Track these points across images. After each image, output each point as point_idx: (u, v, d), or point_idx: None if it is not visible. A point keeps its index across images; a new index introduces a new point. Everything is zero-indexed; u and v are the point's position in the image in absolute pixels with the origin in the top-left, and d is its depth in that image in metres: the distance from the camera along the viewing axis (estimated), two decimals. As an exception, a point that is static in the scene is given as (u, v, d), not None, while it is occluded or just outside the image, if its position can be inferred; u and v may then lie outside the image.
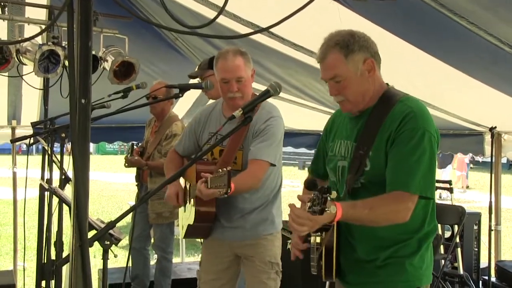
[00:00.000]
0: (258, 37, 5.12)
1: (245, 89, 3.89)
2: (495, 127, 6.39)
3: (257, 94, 3.94)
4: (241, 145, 3.89)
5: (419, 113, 2.76)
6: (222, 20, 4.94)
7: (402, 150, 2.69)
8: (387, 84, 2.99)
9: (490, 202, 6.71)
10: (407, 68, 4.99)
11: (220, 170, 3.32)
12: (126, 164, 6.33)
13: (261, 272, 3.97)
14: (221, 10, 2.01)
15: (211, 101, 5.69)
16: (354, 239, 2.93)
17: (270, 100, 3.48)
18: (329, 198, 2.56)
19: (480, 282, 7.36)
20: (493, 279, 7.02)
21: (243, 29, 4.99)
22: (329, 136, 3.18)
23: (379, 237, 2.86)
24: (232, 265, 4.12)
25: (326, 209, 2.51)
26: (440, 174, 19.57)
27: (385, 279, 2.88)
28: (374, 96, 2.90)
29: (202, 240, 4.24)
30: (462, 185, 23.00)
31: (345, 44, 2.77)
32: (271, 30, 4.86)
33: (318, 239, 2.91)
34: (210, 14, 4.91)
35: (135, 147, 6.48)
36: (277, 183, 4.08)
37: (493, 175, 6.83)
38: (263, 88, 3.54)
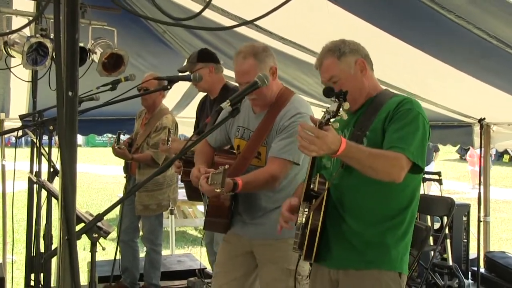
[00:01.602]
0: (246, 31, 5.11)
1: (259, 92, 3.59)
2: (484, 118, 6.42)
3: (286, 87, 3.95)
4: (265, 140, 3.76)
5: (414, 101, 3.02)
6: (211, 14, 4.93)
7: (400, 123, 2.91)
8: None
9: (479, 193, 6.74)
10: (395, 62, 5.01)
11: (220, 167, 3.25)
12: (114, 152, 6.31)
13: (277, 280, 3.76)
14: (207, 3, 2.02)
15: (201, 94, 5.71)
16: (344, 209, 3.04)
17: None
18: (344, 105, 2.63)
19: (469, 273, 7.40)
20: (482, 270, 7.06)
21: (231, 24, 4.98)
22: None
23: (369, 209, 3.00)
24: (246, 261, 3.93)
25: (339, 113, 2.62)
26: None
27: (370, 259, 3.01)
28: (370, 93, 3.15)
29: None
30: (471, 180, 21.19)
31: (337, 49, 3.10)
32: (259, 24, 4.86)
33: (304, 217, 2.98)
34: (199, 9, 4.90)
35: (122, 136, 6.44)
36: None
37: (482, 166, 6.85)
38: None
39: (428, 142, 2.97)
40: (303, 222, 2.98)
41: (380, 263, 3.00)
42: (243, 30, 5.13)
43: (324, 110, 2.73)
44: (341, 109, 2.63)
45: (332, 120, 2.65)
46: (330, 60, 3.09)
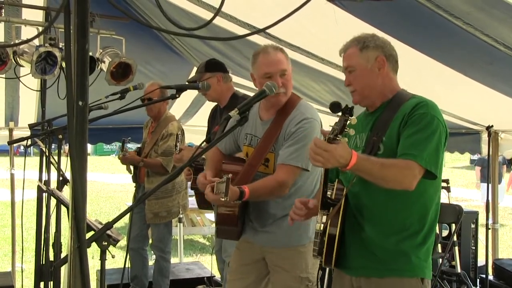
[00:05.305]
0: (255, 38, 5.12)
1: (288, 84, 3.74)
2: (492, 125, 6.40)
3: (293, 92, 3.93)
4: (273, 147, 3.75)
5: (431, 104, 3.00)
6: (219, 21, 4.94)
7: (413, 128, 2.89)
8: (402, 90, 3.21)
9: (487, 200, 6.72)
10: (402, 68, 4.98)
11: (224, 176, 3.23)
12: (122, 162, 6.36)
13: (290, 287, 3.79)
14: (217, 12, 2.02)
15: (208, 102, 5.72)
16: (363, 217, 3.03)
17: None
18: (351, 120, 2.66)
19: (478, 280, 7.36)
20: (490, 277, 7.02)
21: (240, 30, 5.00)
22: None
23: (388, 218, 2.98)
24: (257, 268, 3.94)
25: (346, 130, 2.64)
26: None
27: (391, 266, 2.99)
28: (386, 94, 3.15)
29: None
30: None
31: (362, 41, 3.12)
32: (268, 31, 4.86)
33: (322, 224, 2.97)
34: (206, 15, 4.92)
35: (126, 144, 6.48)
36: (314, 190, 3.82)
37: (490, 173, 6.83)
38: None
39: (445, 146, 2.96)
40: (321, 229, 2.97)
41: (401, 270, 2.99)
42: (252, 36, 5.14)
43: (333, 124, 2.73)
44: (347, 126, 2.64)
45: (339, 136, 2.64)
46: (352, 49, 3.12)
